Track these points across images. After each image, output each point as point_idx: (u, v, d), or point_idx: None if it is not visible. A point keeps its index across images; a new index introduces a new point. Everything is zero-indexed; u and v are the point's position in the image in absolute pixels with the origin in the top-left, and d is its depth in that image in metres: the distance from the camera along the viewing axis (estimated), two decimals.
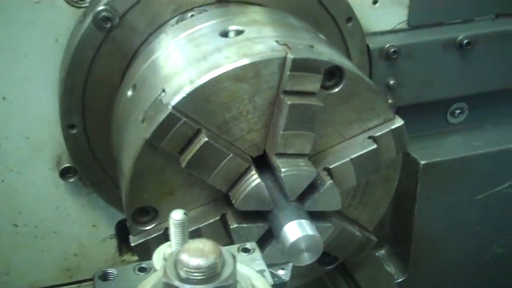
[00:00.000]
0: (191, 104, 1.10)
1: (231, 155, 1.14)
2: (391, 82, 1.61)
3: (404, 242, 1.79)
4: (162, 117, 1.09)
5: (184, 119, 1.10)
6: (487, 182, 1.76)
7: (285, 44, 1.15)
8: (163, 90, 1.14)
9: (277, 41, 1.17)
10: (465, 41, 1.61)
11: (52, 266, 1.64)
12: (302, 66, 1.12)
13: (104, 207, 1.60)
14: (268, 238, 1.20)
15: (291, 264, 0.99)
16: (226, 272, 0.73)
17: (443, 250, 1.81)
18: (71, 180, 1.51)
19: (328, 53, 1.19)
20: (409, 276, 1.79)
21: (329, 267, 1.44)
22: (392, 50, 1.57)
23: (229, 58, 1.13)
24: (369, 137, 1.24)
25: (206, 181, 1.16)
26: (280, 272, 0.96)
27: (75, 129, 1.42)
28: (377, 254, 1.85)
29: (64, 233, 1.61)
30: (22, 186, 1.52)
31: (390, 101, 1.61)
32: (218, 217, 1.21)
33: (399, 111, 1.67)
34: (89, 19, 1.33)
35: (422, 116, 1.75)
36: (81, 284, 1.67)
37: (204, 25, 1.28)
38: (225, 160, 1.14)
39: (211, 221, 1.21)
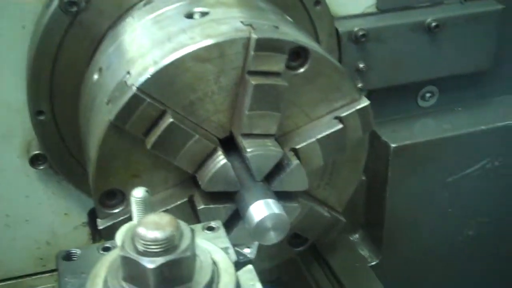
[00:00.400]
0: (156, 85, 1.10)
1: (197, 136, 1.14)
2: (361, 65, 1.62)
3: (376, 226, 1.81)
4: (126, 98, 1.09)
5: (149, 100, 1.10)
6: (457, 165, 1.78)
7: (250, 25, 1.16)
8: (128, 72, 1.14)
9: (242, 22, 1.17)
10: (434, 24, 1.63)
11: (24, 255, 1.63)
12: (266, 46, 1.13)
13: (75, 195, 1.59)
14: (235, 219, 1.21)
15: (257, 243, 0.99)
16: (184, 244, 0.73)
17: (415, 233, 1.83)
18: (41, 167, 1.50)
19: (293, 34, 1.19)
20: (382, 260, 1.81)
21: (299, 249, 1.45)
22: (361, 33, 1.58)
23: (193, 39, 1.13)
24: (336, 117, 1.25)
25: (172, 163, 1.16)
26: (246, 251, 0.96)
27: (44, 115, 1.41)
28: (351, 239, 1.87)
29: (36, 222, 1.60)
30: None
31: (360, 85, 1.63)
32: (186, 199, 1.22)
33: (370, 95, 1.68)
34: (55, 3, 1.31)
35: (392, 100, 1.76)
36: (55, 273, 1.65)
37: (170, 8, 1.27)
38: (191, 141, 1.14)
39: (178, 203, 1.21)
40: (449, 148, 1.75)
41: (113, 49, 1.28)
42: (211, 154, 1.18)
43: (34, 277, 1.66)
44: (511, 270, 2.00)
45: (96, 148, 1.14)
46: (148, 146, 1.13)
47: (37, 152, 1.48)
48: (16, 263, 1.63)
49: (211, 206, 1.18)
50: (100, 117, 1.17)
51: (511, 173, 1.83)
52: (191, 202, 1.22)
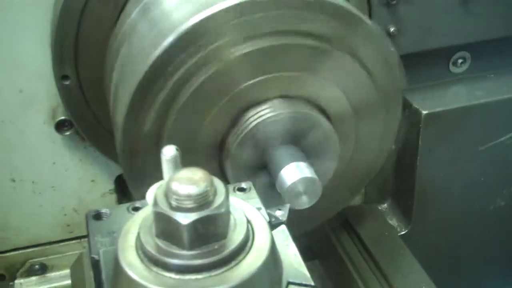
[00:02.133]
0: (195, 35, 1.08)
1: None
2: (392, 29, 1.57)
3: (406, 195, 1.77)
4: (166, 43, 1.07)
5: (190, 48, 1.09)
6: (490, 133, 1.73)
7: None
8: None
9: None
10: None
11: (51, 222, 1.63)
12: None
13: (102, 162, 1.58)
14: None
15: (288, 205, 0.97)
16: (218, 201, 0.71)
17: (445, 202, 1.79)
18: (67, 133, 1.49)
19: None
20: (411, 229, 1.78)
21: None
22: None
23: None
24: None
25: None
26: (278, 213, 0.94)
27: (69, 80, 1.39)
28: (380, 208, 1.84)
29: (62, 189, 1.59)
30: (18, 140, 1.50)
31: (392, 49, 1.58)
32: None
33: (401, 60, 1.64)
34: None
35: (424, 66, 1.71)
36: (82, 240, 1.66)
37: None
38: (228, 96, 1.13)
39: None
40: (481, 116, 1.70)
41: (139, 10, 1.25)
42: (240, 116, 1.17)
43: (61, 243, 1.66)
44: None
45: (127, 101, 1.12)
46: (187, 94, 1.11)
47: (62, 117, 1.47)
48: (43, 229, 1.63)
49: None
50: (130, 76, 1.14)
51: None
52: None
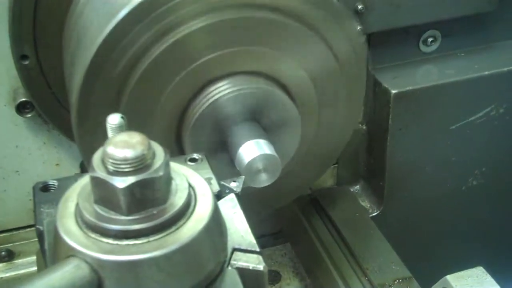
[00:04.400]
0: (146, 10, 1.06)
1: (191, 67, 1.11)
2: (360, 7, 1.55)
3: (377, 176, 1.76)
4: (114, 21, 1.05)
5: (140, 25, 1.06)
6: (461, 112, 1.72)
7: None
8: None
9: None
10: None
11: (17, 208, 1.60)
12: None
13: (67, 145, 1.55)
14: None
15: (243, 177, 0.95)
16: (156, 164, 0.69)
17: (417, 183, 1.78)
18: (29, 115, 1.46)
19: None
20: (383, 210, 1.77)
21: None
22: None
23: None
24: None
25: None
26: (232, 184, 0.92)
27: (28, 60, 1.36)
28: (351, 190, 1.83)
29: (26, 173, 1.56)
30: None
31: (359, 27, 1.56)
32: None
33: (370, 38, 1.62)
34: None
35: (393, 45, 1.69)
36: None
37: None
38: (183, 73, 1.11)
39: None
40: (452, 95, 1.69)
41: None
42: (199, 92, 1.14)
43: (27, 229, 1.63)
44: None
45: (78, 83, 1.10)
46: (142, 67, 1.08)
47: (23, 99, 1.44)
48: (9, 215, 1.60)
49: None
50: (84, 51, 1.12)
51: None
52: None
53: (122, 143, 0.68)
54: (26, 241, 1.63)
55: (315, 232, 1.69)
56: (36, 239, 1.57)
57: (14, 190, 1.58)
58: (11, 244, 1.64)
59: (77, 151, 1.52)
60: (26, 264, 1.64)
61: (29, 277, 0.66)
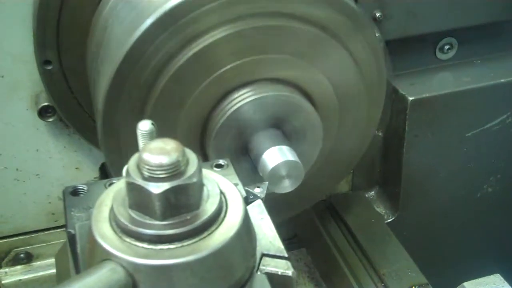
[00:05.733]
0: (175, 18, 1.08)
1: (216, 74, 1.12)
2: (378, 14, 1.56)
3: (393, 182, 1.77)
4: (143, 28, 1.06)
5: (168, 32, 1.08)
6: (477, 119, 1.73)
7: None
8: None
9: None
10: None
11: (36, 210, 1.62)
12: None
13: (87, 149, 1.57)
14: None
15: (266, 183, 0.96)
16: (190, 171, 0.70)
17: (433, 189, 1.79)
18: (51, 119, 1.48)
19: None
20: (399, 216, 1.78)
21: None
22: None
23: None
24: None
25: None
26: (256, 190, 0.93)
27: (51, 65, 1.38)
28: (367, 196, 1.83)
29: (46, 176, 1.58)
30: (1, 127, 1.49)
31: (377, 34, 1.58)
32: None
33: (387, 46, 1.63)
34: None
35: (410, 52, 1.71)
36: None
37: None
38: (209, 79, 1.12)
39: None
40: (468, 102, 1.70)
41: None
42: (222, 99, 1.16)
43: (46, 232, 1.65)
44: None
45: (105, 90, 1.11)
46: (168, 75, 1.10)
47: (45, 104, 1.45)
48: (28, 218, 1.62)
49: None
50: (111, 59, 1.13)
51: None
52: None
53: (157, 150, 0.70)
54: (45, 244, 1.65)
55: (331, 237, 1.70)
56: (55, 241, 1.63)
57: (33, 193, 1.60)
58: (29, 247, 1.66)
59: (97, 156, 1.56)
60: (45, 266, 1.65)
61: (67, 279, 0.67)
